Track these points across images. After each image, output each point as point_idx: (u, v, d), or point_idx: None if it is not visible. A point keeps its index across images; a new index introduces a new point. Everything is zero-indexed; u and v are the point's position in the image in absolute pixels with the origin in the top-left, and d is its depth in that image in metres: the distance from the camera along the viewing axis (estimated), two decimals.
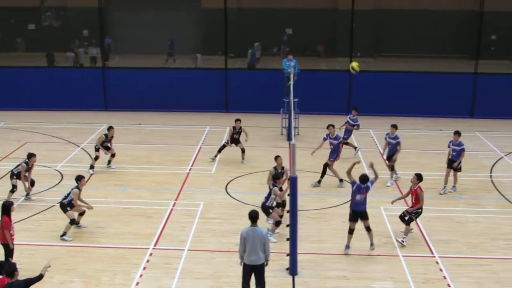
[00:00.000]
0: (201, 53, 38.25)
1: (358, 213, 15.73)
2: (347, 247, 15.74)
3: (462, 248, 16.20)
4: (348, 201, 18.88)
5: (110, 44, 37.63)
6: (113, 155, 21.81)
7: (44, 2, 41.66)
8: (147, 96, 30.51)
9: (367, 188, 15.72)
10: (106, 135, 21.68)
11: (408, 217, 16.43)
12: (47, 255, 15.37)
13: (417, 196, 16.41)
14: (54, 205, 18.33)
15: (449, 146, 20.26)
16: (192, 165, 22.41)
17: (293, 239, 14.48)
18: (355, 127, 23.50)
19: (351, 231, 15.75)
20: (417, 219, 16.90)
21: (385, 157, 21.28)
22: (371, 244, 15.69)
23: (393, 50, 40.47)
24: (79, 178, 16.74)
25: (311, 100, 28.92)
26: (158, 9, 39.19)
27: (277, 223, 16.49)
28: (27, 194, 18.96)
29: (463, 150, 19.94)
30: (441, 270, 15.02)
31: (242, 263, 13.13)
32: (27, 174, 18.76)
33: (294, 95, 23.41)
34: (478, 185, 20.88)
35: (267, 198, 16.62)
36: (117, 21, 39.44)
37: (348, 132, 23.64)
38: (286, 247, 14.94)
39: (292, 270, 14.66)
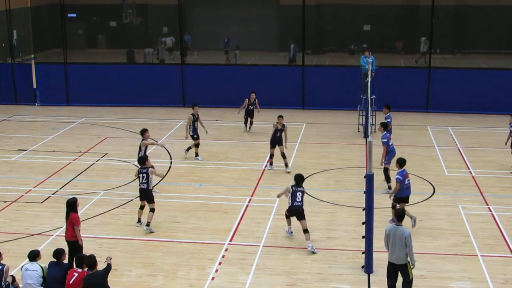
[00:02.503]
0: (278, 49, 38.32)
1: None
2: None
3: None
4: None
5: (189, 40, 38.16)
6: (197, 145, 22.34)
7: (125, 0, 42.56)
8: (225, 92, 30.80)
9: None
10: (192, 114, 22.39)
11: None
12: (126, 248, 15.79)
13: None
14: (132, 200, 18.80)
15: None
16: (268, 162, 22.52)
17: (368, 237, 14.40)
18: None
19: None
20: (497, 218, 16.54)
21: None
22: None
23: (474, 47, 39.52)
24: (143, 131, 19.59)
25: (388, 97, 28.55)
26: (236, 6, 39.49)
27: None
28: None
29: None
30: None
31: (387, 261, 13.17)
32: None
33: (372, 92, 23.25)
34: None
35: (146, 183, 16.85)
36: (196, 18, 39.97)
37: None
38: (362, 244, 14.86)
39: (368, 268, 14.58)
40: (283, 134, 21.31)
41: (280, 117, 21.45)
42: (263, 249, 15.76)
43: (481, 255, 15.40)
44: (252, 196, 19.27)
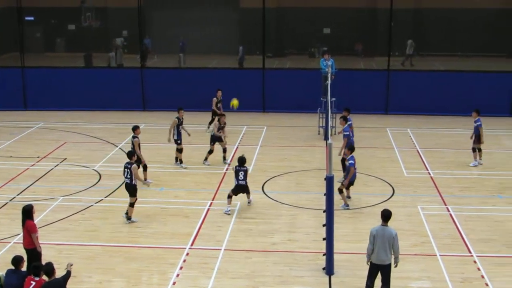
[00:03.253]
0: (238, 53, 38.38)
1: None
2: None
3: (500, 247, 16.01)
4: (383, 201, 18.98)
5: (149, 44, 37.93)
6: (180, 151, 22.27)
7: (84, 3, 42.12)
8: (185, 96, 30.63)
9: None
10: (177, 117, 22.29)
11: None
12: (85, 254, 15.61)
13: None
14: (92, 205, 18.62)
15: None
16: (229, 165, 22.49)
17: (329, 239, 14.47)
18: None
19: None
20: (455, 218, 16.83)
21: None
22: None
23: (432, 49, 40.03)
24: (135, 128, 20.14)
25: (348, 99, 28.80)
26: (197, 9, 39.37)
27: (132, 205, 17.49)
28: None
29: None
30: (479, 269, 14.85)
31: (369, 262, 13.18)
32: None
33: (332, 94, 23.38)
34: None
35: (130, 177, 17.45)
36: (157, 21, 39.75)
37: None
38: (322, 246, 14.93)
39: (329, 269, 14.65)
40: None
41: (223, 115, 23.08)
42: (225, 253, 15.73)
43: (440, 255, 15.59)
44: (213, 199, 19.22)
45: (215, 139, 22.49)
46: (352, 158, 18.34)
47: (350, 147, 18.83)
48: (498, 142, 25.20)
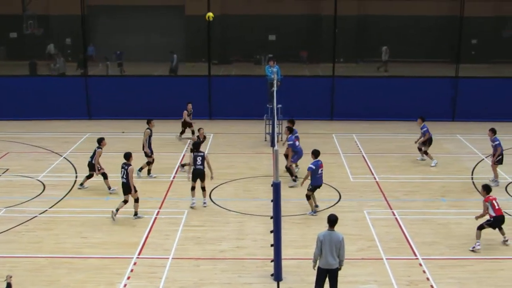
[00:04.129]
0: (185, 59, 38.31)
1: None
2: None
3: (444, 250, 16.31)
4: (330, 206, 19.15)
5: (92, 51, 37.53)
6: (151, 162, 22.05)
7: (26, 11, 41.45)
8: (131, 104, 30.44)
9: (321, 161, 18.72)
10: (149, 129, 22.09)
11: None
12: (30, 267, 15.29)
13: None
14: (36, 216, 18.29)
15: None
16: (176, 173, 22.39)
17: (277, 245, 14.51)
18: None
19: None
20: (400, 222, 17.12)
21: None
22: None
23: (376, 56, 40.66)
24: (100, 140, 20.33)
25: (294, 106, 29.06)
26: (141, 17, 39.18)
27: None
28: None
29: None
30: (424, 272, 15.11)
31: (317, 267, 13.21)
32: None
33: (278, 101, 23.51)
34: (460, 187, 21.05)
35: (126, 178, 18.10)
36: (101, 28, 39.43)
37: None
38: (270, 253, 14.96)
39: (277, 276, 14.68)
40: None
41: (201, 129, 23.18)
42: (172, 261, 15.62)
43: (386, 258, 15.80)
44: (160, 208, 19.09)
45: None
46: (315, 163, 18.48)
47: (314, 151, 18.83)
48: (440, 147, 25.71)
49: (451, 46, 32.59)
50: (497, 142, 21.11)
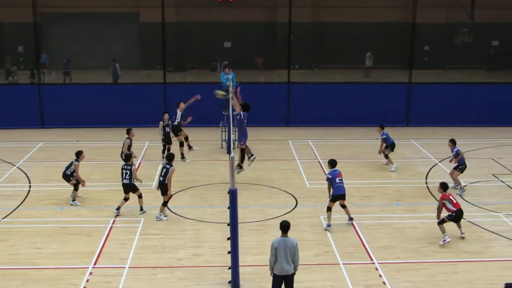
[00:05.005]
0: (140, 67, 38.12)
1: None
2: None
3: (400, 254, 16.49)
4: (287, 213, 19.21)
5: (45, 59, 37.08)
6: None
7: None
8: (85, 112, 30.13)
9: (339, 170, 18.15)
10: (129, 138, 22.24)
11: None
12: None
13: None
14: None
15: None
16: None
17: (234, 252, 14.48)
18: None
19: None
20: (357, 227, 17.29)
21: None
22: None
23: (330, 62, 41.05)
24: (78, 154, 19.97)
25: (250, 112, 29.03)
26: (96, 24, 38.88)
27: (166, 203, 18.62)
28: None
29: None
30: (380, 276, 15.24)
31: (273, 274, 13.17)
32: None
33: (233, 108, 23.51)
34: (415, 192, 21.30)
35: (164, 176, 18.40)
36: (55, 36, 38.98)
37: None
38: (227, 260, 14.93)
39: (234, 283, 14.65)
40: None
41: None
42: (129, 271, 15.47)
43: (343, 263, 15.90)
44: (116, 217, 18.89)
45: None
46: (332, 172, 18.02)
47: (330, 161, 18.32)
48: (395, 152, 25.90)
49: (405, 52, 33.01)
50: (458, 152, 21.18)
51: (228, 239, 14.67)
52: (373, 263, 15.97)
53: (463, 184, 21.23)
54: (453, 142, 21.34)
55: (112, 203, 19.85)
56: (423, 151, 26.59)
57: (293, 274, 13.15)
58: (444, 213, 17.19)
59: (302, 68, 38.43)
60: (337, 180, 17.87)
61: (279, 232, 17.26)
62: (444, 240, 16.86)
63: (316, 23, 40.93)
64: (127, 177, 18.79)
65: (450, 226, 17.20)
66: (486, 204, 20.05)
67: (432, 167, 24.18)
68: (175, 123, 23.29)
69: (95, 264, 15.80)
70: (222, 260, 15.70)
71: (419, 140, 28.31)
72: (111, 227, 18.15)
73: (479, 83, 33.67)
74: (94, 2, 37.08)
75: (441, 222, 17.02)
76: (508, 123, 31.00)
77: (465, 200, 20.42)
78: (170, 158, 18.81)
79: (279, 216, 18.79)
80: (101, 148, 26.49)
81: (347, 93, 31.06)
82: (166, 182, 18.39)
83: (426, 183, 22.33)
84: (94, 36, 39.11)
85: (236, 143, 22.27)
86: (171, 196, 18.96)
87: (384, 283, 14.91)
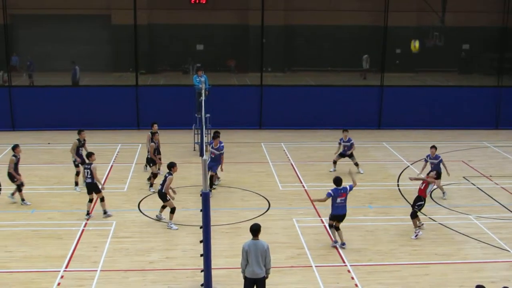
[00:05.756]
0: (112, 69, 37.85)
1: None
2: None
3: (372, 256, 16.59)
4: (260, 215, 19.22)
5: (16, 61, 36.64)
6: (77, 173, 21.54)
7: None
8: (57, 115, 29.87)
9: (345, 190, 16.93)
10: (78, 139, 21.64)
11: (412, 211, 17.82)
12: None
13: (427, 185, 17.74)
14: None
15: (426, 161, 21.27)
16: (103, 184, 21.99)
17: (206, 255, 14.42)
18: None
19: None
20: (329, 230, 17.35)
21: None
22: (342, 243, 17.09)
23: (303, 65, 41.13)
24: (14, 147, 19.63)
25: (223, 115, 29.14)
26: (67, 26, 38.51)
27: (173, 210, 18.07)
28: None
29: (352, 144, 22.27)
30: (352, 278, 15.32)
31: (244, 277, 13.15)
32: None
33: (206, 110, 23.53)
34: (387, 194, 21.45)
35: (162, 185, 18.08)
36: (24, 38, 38.53)
37: None
38: (200, 263, 14.87)
39: (207, 285, 14.59)
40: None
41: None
42: (101, 274, 15.37)
43: (315, 266, 15.95)
44: (87, 220, 18.75)
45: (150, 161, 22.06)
46: (335, 190, 16.85)
47: (334, 179, 17.04)
48: (367, 154, 26.20)
49: (377, 55, 33.23)
50: (440, 158, 20.85)
51: (201, 241, 14.62)
52: (346, 265, 16.04)
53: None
54: (435, 148, 21.08)
55: (84, 206, 19.68)
56: (395, 153, 26.79)
57: (265, 277, 13.15)
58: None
59: (274, 71, 38.44)
60: (338, 200, 16.75)
61: (251, 235, 17.32)
62: (417, 234, 17.36)
63: (289, 26, 40.94)
64: (88, 176, 18.70)
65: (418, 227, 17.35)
66: (457, 207, 20.26)
67: (404, 169, 24.37)
68: (148, 156, 21.96)
69: (66, 267, 15.67)
70: (195, 263, 15.66)
71: (390, 142, 28.52)
72: (83, 230, 18.02)
73: (450, 86, 34.04)
74: (65, 4, 36.71)
75: (414, 216, 17.51)
76: (479, 126, 31.39)
77: (436, 203, 20.64)
78: (169, 166, 18.43)
79: (252, 219, 18.80)
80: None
81: (320, 96, 31.20)
82: (163, 191, 18.11)
83: (398, 185, 22.49)
84: (65, 38, 38.72)
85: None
86: (173, 205, 18.24)
87: (356, 285, 15.00)
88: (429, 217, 19.32)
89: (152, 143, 21.78)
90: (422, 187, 17.69)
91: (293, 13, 39.81)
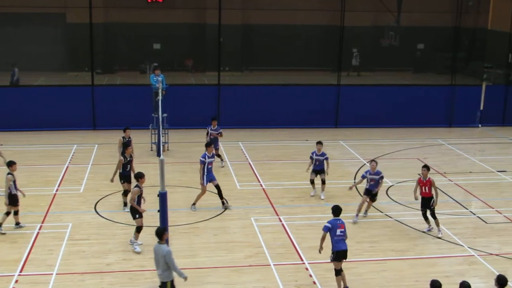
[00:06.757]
0: (67, 69, 37.41)
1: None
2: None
3: (330, 253, 16.64)
4: (217, 215, 19.19)
5: None
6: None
7: None
8: (10, 115, 29.34)
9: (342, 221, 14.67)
10: (123, 137, 21.33)
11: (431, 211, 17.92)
12: None
13: (431, 186, 17.71)
14: None
15: (311, 158, 20.92)
16: (59, 186, 21.77)
17: None
18: (219, 134, 23.83)
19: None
20: (287, 227, 17.40)
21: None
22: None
23: (260, 64, 41.21)
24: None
25: (180, 114, 29.02)
26: (21, 25, 37.92)
27: (139, 229, 16.61)
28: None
29: (326, 159, 20.85)
30: (311, 276, 15.41)
31: None
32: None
33: (163, 110, 23.38)
34: (343, 192, 21.57)
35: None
36: None
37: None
38: None
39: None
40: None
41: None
42: (56, 277, 15.16)
43: (273, 264, 16.00)
44: (42, 222, 18.47)
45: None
46: (333, 221, 14.59)
47: (333, 208, 14.80)
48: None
49: (333, 54, 33.44)
50: (382, 175, 19.00)
51: None
52: (304, 263, 16.12)
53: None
54: (377, 163, 19.16)
55: (37, 209, 19.42)
56: (351, 151, 27.01)
57: (167, 282, 13.05)
58: None
59: (232, 70, 38.45)
60: (338, 232, 14.41)
61: (209, 235, 17.40)
62: (439, 231, 18.04)
63: (246, 25, 41.00)
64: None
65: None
66: (412, 203, 20.46)
67: (361, 167, 24.58)
68: (121, 171, 20.66)
69: (21, 271, 15.41)
70: (153, 264, 15.51)
71: (347, 141, 28.74)
72: (38, 233, 17.74)
73: (405, 85, 34.46)
74: (18, 2, 36.17)
75: (434, 216, 18.04)
76: (433, 124, 31.84)
77: (392, 200, 20.88)
78: (136, 177, 16.99)
79: (210, 218, 18.79)
80: (25, 152, 25.85)
81: (277, 95, 31.28)
82: (13, 193, 17.24)
83: (355, 183, 22.64)
84: (19, 37, 38.13)
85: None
86: (141, 223, 16.70)
87: (314, 282, 15.08)
88: (385, 214, 19.54)
89: (121, 157, 19.62)
90: (427, 191, 17.76)
91: (250, 12, 39.88)
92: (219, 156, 23.98)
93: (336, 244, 14.35)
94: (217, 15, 30.94)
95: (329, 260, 14.55)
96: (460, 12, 32.81)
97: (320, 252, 14.56)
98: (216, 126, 23.90)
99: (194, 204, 19.73)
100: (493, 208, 20.48)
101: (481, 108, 32.58)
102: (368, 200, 19.04)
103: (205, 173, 19.53)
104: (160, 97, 23.25)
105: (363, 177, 19.06)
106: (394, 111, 31.68)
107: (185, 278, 13.16)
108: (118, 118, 29.44)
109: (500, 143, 29.38)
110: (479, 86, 33.96)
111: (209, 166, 19.70)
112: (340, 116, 31.43)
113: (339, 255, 14.34)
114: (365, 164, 25.00)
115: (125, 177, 19.46)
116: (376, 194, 19.00)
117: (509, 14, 32.64)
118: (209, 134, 23.82)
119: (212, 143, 20.99)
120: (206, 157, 19.62)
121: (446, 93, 32.30)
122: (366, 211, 19.34)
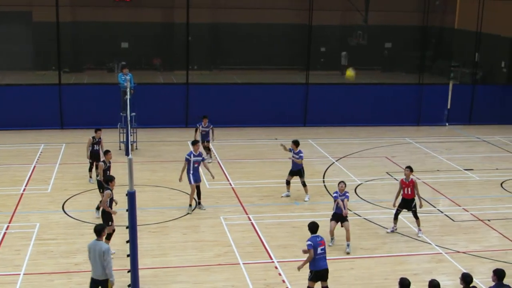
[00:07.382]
0: (34, 68, 36.99)
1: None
2: None
3: (299, 252, 16.61)
4: (187, 214, 19.15)
5: None
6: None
7: None
8: None
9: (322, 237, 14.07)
10: (93, 137, 21.24)
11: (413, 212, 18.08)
12: None
13: (413, 187, 17.93)
14: None
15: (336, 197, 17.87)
16: (26, 185, 21.53)
17: (133, 255, 14.25)
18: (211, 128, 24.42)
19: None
20: (256, 227, 17.43)
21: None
22: None
23: (229, 63, 41.21)
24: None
25: (148, 113, 28.89)
26: None
27: (109, 236, 16.16)
28: None
29: (301, 158, 20.72)
30: (280, 274, 15.46)
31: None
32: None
33: (131, 109, 23.27)
34: (313, 190, 21.63)
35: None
36: None
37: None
38: (127, 263, 14.70)
39: (134, 286, 14.43)
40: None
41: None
42: (24, 278, 15.01)
43: (243, 263, 16.01)
44: (10, 222, 18.26)
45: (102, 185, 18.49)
46: (313, 239, 13.85)
47: (310, 225, 14.24)
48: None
49: (302, 53, 33.55)
50: (348, 195, 17.38)
51: (127, 242, 14.46)
52: (273, 261, 16.17)
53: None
54: (345, 184, 17.47)
55: (4, 209, 19.23)
56: (320, 150, 27.12)
57: (107, 280, 12.95)
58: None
59: (201, 69, 38.40)
60: (319, 251, 13.69)
61: (179, 234, 17.38)
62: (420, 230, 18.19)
63: (215, 24, 40.97)
64: None
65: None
66: (381, 202, 20.68)
67: (329, 166, 24.71)
68: (98, 178, 20.15)
69: None
70: (122, 264, 15.44)
71: (316, 140, 28.86)
72: (5, 233, 17.53)
73: (373, 84, 34.71)
74: None
75: (416, 217, 18.21)
76: (401, 123, 32.13)
77: (361, 198, 21.04)
78: (106, 181, 16.88)
79: (179, 217, 18.75)
80: None
81: (245, 94, 31.29)
82: (102, 207, 16.56)
83: (324, 181, 22.80)
84: None
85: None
86: (111, 230, 16.27)
87: (283, 281, 15.14)
88: (354, 212, 19.66)
89: (101, 163, 19.13)
90: (409, 192, 17.88)
91: (219, 11, 39.86)
92: (208, 150, 24.52)
93: (317, 263, 13.66)
94: (185, 14, 30.85)
95: (308, 280, 13.91)
96: (427, 12, 33.15)
97: (299, 270, 13.87)
98: (207, 123, 24.40)
99: (190, 205, 19.61)
100: (460, 206, 20.74)
101: (448, 107, 32.96)
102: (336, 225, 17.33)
103: (191, 172, 19.42)
104: (128, 96, 23.18)
105: (335, 198, 17.22)
106: (362, 110, 31.91)
107: (112, 283, 13.03)
108: (86, 117, 29.25)
109: (467, 142, 29.76)
110: (446, 85, 34.36)
111: (195, 165, 19.53)
112: (308, 115, 31.54)
113: (317, 274, 13.72)
114: (334, 162, 25.15)
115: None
116: (346, 217, 17.14)
117: (475, 13, 33.05)
118: (200, 131, 24.25)
119: (198, 141, 20.88)
120: (192, 155, 19.55)
121: (414, 92, 32.62)
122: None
